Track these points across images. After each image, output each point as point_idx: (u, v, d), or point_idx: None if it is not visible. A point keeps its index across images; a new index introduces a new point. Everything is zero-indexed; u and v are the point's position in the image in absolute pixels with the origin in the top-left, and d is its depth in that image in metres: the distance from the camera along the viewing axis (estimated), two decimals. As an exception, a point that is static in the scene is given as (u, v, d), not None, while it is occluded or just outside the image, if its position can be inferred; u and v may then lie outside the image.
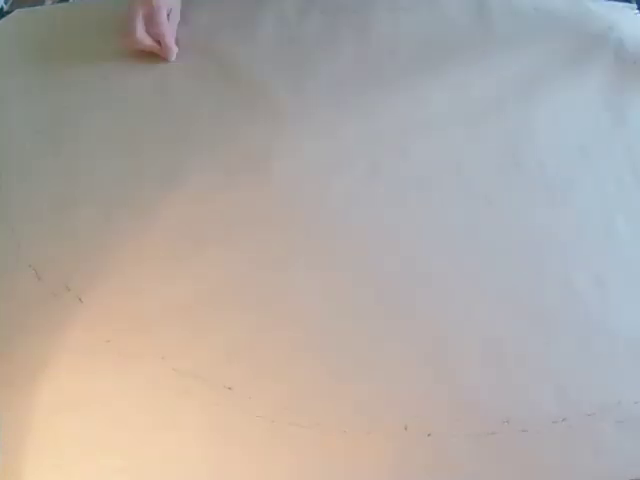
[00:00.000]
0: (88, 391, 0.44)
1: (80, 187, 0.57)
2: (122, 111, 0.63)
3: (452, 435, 0.42)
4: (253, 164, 0.58)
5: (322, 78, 0.66)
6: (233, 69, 0.66)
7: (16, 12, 0.75)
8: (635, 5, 0.76)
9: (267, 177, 0.57)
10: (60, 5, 0.81)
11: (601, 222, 0.54)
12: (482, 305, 0.48)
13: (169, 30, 0.66)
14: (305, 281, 0.50)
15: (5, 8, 0.79)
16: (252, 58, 0.68)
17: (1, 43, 0.71)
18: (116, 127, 0.62)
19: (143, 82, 0.66)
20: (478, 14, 0.74)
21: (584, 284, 0.50)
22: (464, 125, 0.61)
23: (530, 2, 0.76)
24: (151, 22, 0.65)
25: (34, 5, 0.80)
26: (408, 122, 0.61)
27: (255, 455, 0.41)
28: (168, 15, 0.66)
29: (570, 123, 0.62)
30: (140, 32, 0.65)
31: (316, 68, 0.67)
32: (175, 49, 0.66)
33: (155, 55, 0.67)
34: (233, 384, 0.44)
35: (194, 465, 0.41)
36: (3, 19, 0.74)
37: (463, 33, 0.72)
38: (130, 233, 0.53)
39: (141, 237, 0.53)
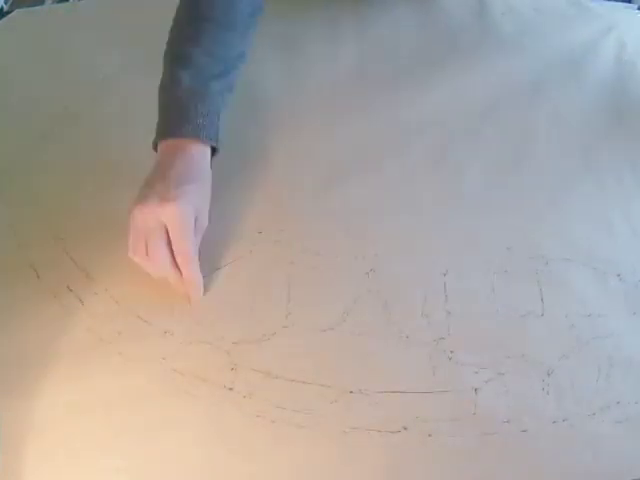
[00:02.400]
0: (88, 391, 0.44)
1: (80, 188, 0.57)
2: (122, 109, 0.63)
3: (452, 435, 0.42)
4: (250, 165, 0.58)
5: (322, 78, 0.66)
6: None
7: (16, 12, 0.75)
8: (635, 5, 0.76)
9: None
10: (60, 5, 0.81)
11: (601, 222, 0.54)
12: (482, 304, 0.49)
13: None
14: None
15: (5, 8, 0.80)
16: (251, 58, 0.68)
17: (1, 43, 0.71)
18: (116, 127, 0.62)
19: (144, 82, 0.66)
20: (478, 14, 0.74)
21: (584, 283, 0.50)
22: (464, 125, 0.62)
23: (530, 2, 0.76)
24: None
25: (34, 5, 0.80)
26: (407, 122, 0.61)
27: (255, 455, 0.41)
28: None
29: (570, 123, 0.62)
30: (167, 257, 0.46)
31: (316, 68, 0.67)
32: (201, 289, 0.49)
33: None
34: (233, 384, 0.44)
35: (194, 465, 0.41)
36: (3, 19, 0.74)
37: (463, 33, 0.72)
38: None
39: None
